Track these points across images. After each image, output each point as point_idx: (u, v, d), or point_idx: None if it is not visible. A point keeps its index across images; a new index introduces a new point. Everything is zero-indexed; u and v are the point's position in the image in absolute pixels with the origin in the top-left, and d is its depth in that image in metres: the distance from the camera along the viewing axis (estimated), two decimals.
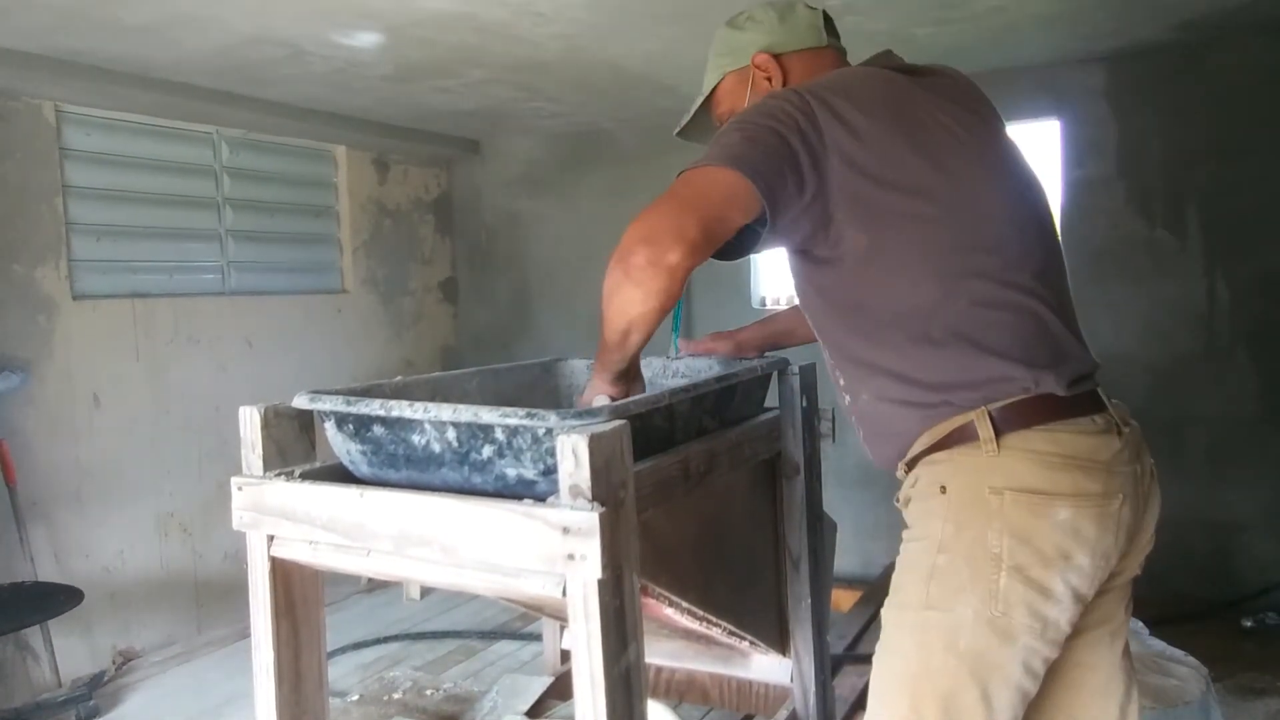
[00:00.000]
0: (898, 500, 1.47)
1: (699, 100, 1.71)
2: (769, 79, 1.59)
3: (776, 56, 1.59)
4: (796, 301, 1.57)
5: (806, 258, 1.43)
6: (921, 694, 1.31)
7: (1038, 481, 1.27)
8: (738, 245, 1.39)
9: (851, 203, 1.34)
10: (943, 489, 1.33)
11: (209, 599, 4.11)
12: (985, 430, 1.30)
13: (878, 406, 1.42)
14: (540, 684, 2.52)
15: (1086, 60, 3.94)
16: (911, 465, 1.41)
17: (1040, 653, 1.30)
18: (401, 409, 1.38)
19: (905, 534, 1.41)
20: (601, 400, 1.49)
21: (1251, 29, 3.59)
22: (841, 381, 1.50)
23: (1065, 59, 3.92)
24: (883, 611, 1.41)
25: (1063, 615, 1.29)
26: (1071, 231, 4.02)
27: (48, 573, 3.50)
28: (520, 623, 3.97)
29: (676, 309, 4.80)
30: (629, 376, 1.51)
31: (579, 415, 1.27)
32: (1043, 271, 1.40)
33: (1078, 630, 1.36)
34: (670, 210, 1.27)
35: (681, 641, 2.23)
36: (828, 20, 1.64)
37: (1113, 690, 1.46)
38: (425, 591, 4.39)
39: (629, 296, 1.29)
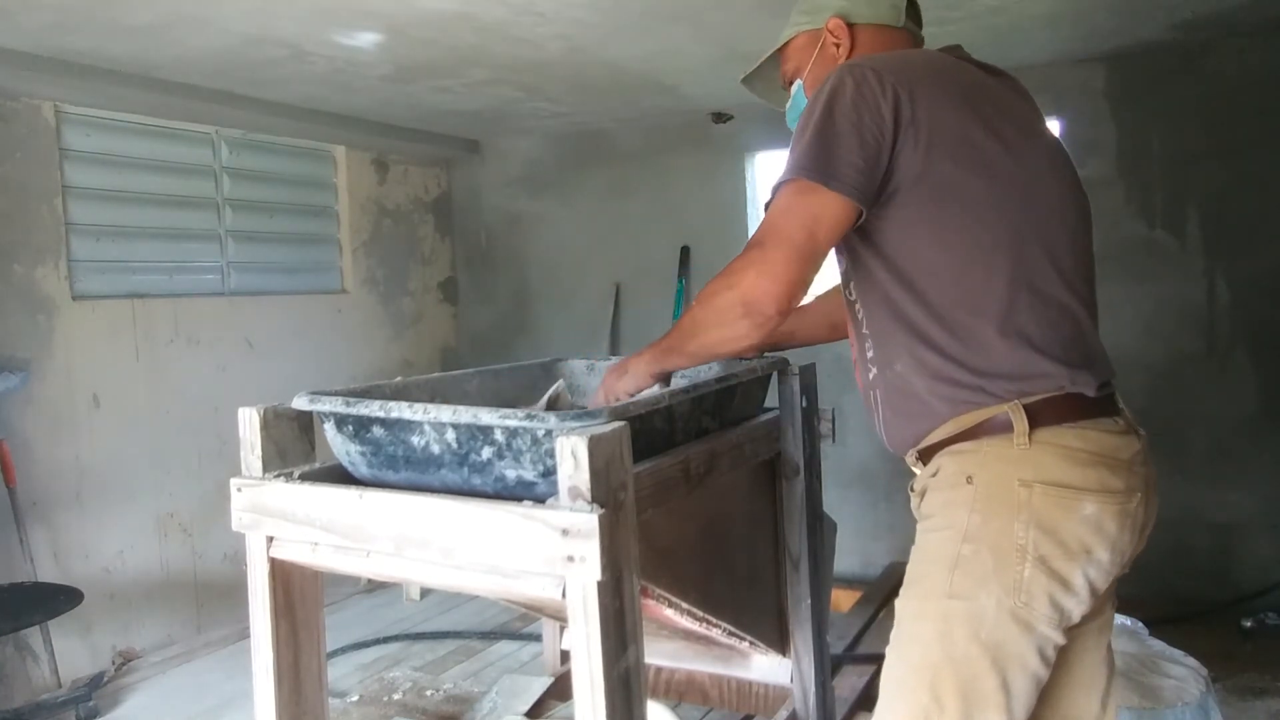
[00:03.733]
0: (912, 489, 1.47)
1: (770, 51, 1.72)
2: (838, 45, 1.59)
3: (850, 25, 1.59)
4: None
5: (873, 221, 1.41)
6: (942, 682, 1.31)
7: (1067, 476, 1.30)
8: None
9: (918, 177, 1.35)
10: (969, 479, 1.34)
11: (209, 599, 4.11)
12: (1020, 424, 1.31)
13: (912, 379, 1.40)
14: (540, 684, 2.52)
15: (1086, 60, 3.94)
16: (927, 454, 1.41)
17: (1054, 640, 1.32)
18: (401, 410, 1.38)
19: (924, 524, 1.40)
20: (651, 392, 1.51)
21: (1251, 29, 3.59)
22: (871, 353, 1.47)
23: (1065, 59, 3.92)
24: (898, 602, 1.41)
25: (1078, 607, 1.32)
26: None
27: (47, 573, 3.50)
28: (520, 623, 3.97)
29: (676, 309, 4.80)
30: (668, 379, 1.58)
31: (578, 417, 1.27)
32: (1084, 273, 1.43)
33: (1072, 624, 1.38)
34: (794, 260, 1.32)
35: (681, 642, 2.23)
36: (911, 4, 1.64)
37: (1096, 682, 1.49)
38: (425, 592, 4.39)
39: (743, 333, 1.37)
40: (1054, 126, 4.04)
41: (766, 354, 2.00)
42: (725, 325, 1.38)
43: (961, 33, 3.33)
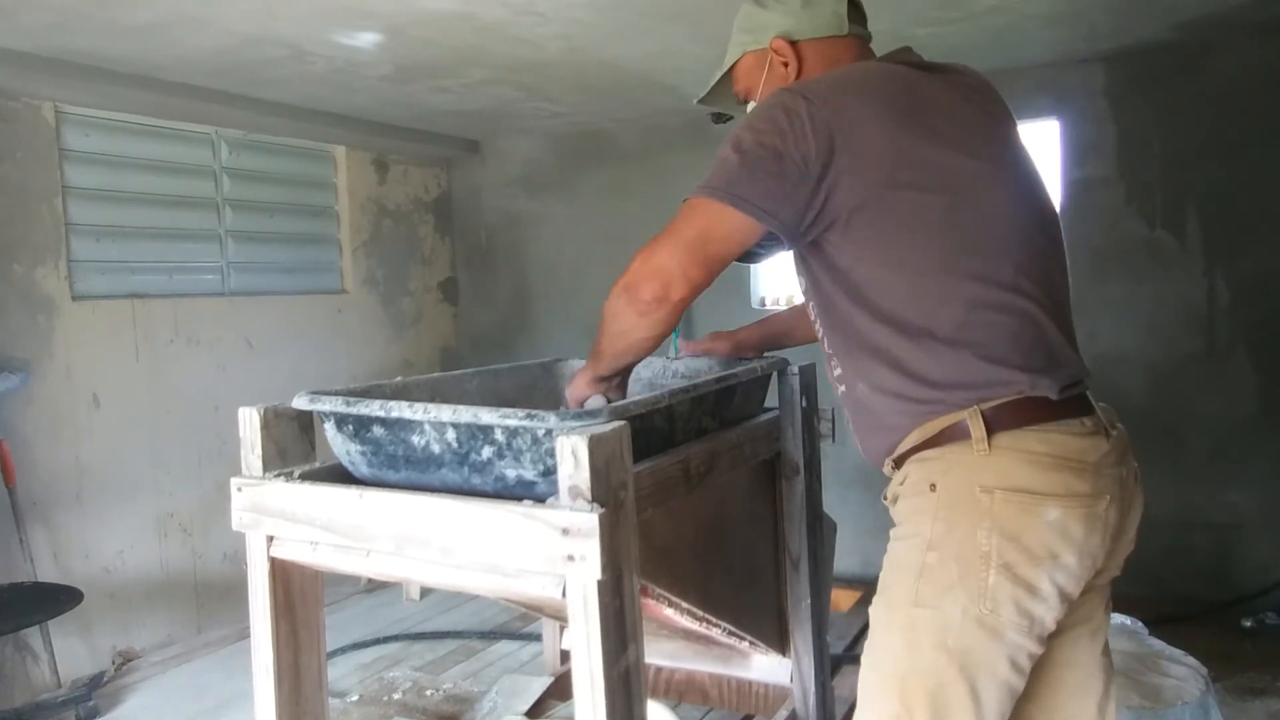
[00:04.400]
0: (885, 497, 1.47)
1: (718, 74, 1.72)
2: (785, 64, 1.58)
3: (794, 43, 1.58)
4: (797, 300, 1.57)
5: (815, 247, 1.43)
6: (911, 691, 1.31)
7: (1029, 481, 1.28)
8: (755, 254, 1.47)
9: (861, 203, 1.34)
10: (932, 486, 1.33)
11: (209, 599, 4.11)
12: (978, 429, 1.30)
13: (873, 398, 1.42)
14: (540, 684, 2.52)
15: (1086, 60, 3.94)
16: (900, 462, 1.41)
17: (1026, 649, 1.31)
18: (401, 410, 1.38)
19: (893, 532, 1.41)
20: (596, 401, 1.53)
21: (1251, 29, 3.59)
22: (837, 371, 1.49)
23: (1065, 59, 3.92)
24: (870, 610, 1.41)
25: (1049, 613, 1.30)
26: (1071, 231, 3.98)
27: (47, 573, 3.50)
28: (520, 623, 3.97)
29: None
30: (613, 384, 1.58)
31: (579, 416, 1.27)
32: (1045, 277, 1.40)
33: (1060, 629, 1.37)
34: (677, 251, 1.37)
35: (681, 641, 2.23)
36: (853, 6, 1.62)
37: (1091, 687, 1.47)
38: (425, 592, 4.39)
39: (632, 324, 1.41)
40: (1054, 126, 4.06)
41: (766, 354, 2.00)
42: (617, 318, 1.43)
43: (961, 33, 3.33)
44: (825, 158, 1.32)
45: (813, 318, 1.53)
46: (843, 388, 1.49)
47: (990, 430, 1.30)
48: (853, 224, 1.35)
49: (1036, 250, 1.41)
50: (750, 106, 1.67)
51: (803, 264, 1.49)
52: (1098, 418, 1.37)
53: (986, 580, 1.27)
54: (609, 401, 1.54)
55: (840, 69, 1.49)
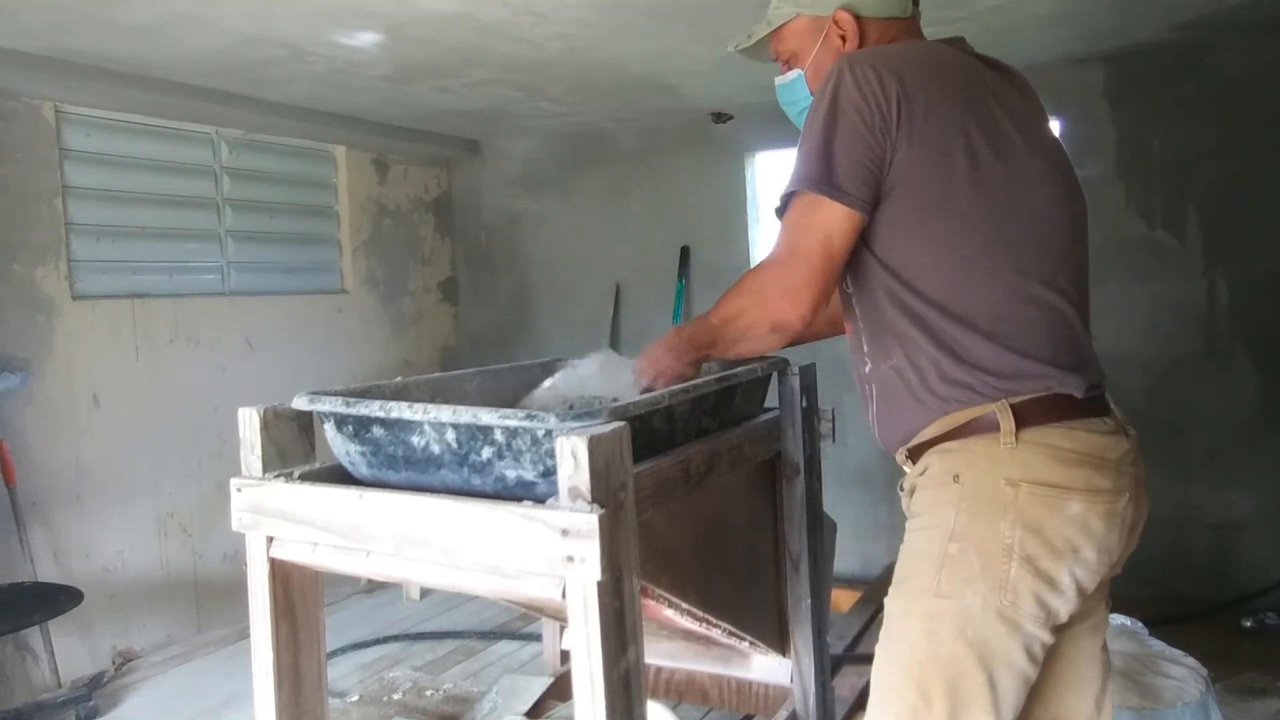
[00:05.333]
0: (901, 487, 1.47)
1: (764, 30, 1.66)
2: (844, 38, 1.56)
3: (859, 18, 1.56)
4: None
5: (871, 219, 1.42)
6: (930, 680, 1.32)
7: (1053, 475, 1.30)
8: None
9: (917, 182, 1.35)
10: (956, 478, 1.34)
11: (209, 599, 4.11)
12: (1007, 423, 1.32)
13: (905, 374, 1.41)
14: (540, 684, 2.52)
15: (1086, 60, 3.94)
16: (917, 453, 1.42)
17: (1040, 639, 1.32)
18: (401, 410, 1.38)
19: (912, 522, 1.41)
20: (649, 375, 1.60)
21: (1251, 29, 3.58)
22: (867, 346, 1.49)
23: (1065, 59, 3.92)
24: (887, 601, 1.41)
25: (1065, 606, 1.32)
26: None
27: (47, 573, 3.50)
28: (520, 623, 3.97)
29: (676, 309, 4.81)
30: (700, 365, 1.63)
31: (579, 417, 1.27)
32: (1076, 276, 1.43)
33: (1063, 624, 1.38)
34: (812, 278, 1.38)
35: (681, 642, 2.23)
36: None
37: (1089, 682, 1.49)
38: (425, 592, 4.39)
39: (769, 344, 1.48)
40: (1054, 126, 4.06)
41: (766, 354, 2.00)
42: (756, 340, 1.48)
43: (962, 33, 3.30)
44: (895, 125, 1.34)
45: (848, 291, 1.52)
46: (869, 364, 1.49)
47: (1018, 425, 1.31)
48: (900, 201, 1.37)
49: (1071, 250, 1.43)
50: (797, 75, 1.64)
51: None
52: (1116, 418, 1.40)
53: (1008, 572, 1.29)
54: (692, 377, 1.61)
55: (903, 44, 1.50)
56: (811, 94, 1.58)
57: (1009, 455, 1.31)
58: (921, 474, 1.40)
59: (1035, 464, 1.30)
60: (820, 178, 1.35)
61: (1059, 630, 1.37)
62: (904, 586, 1.39)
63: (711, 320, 1.53)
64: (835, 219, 1.36)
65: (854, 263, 1.46)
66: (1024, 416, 1.32)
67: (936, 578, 1.33)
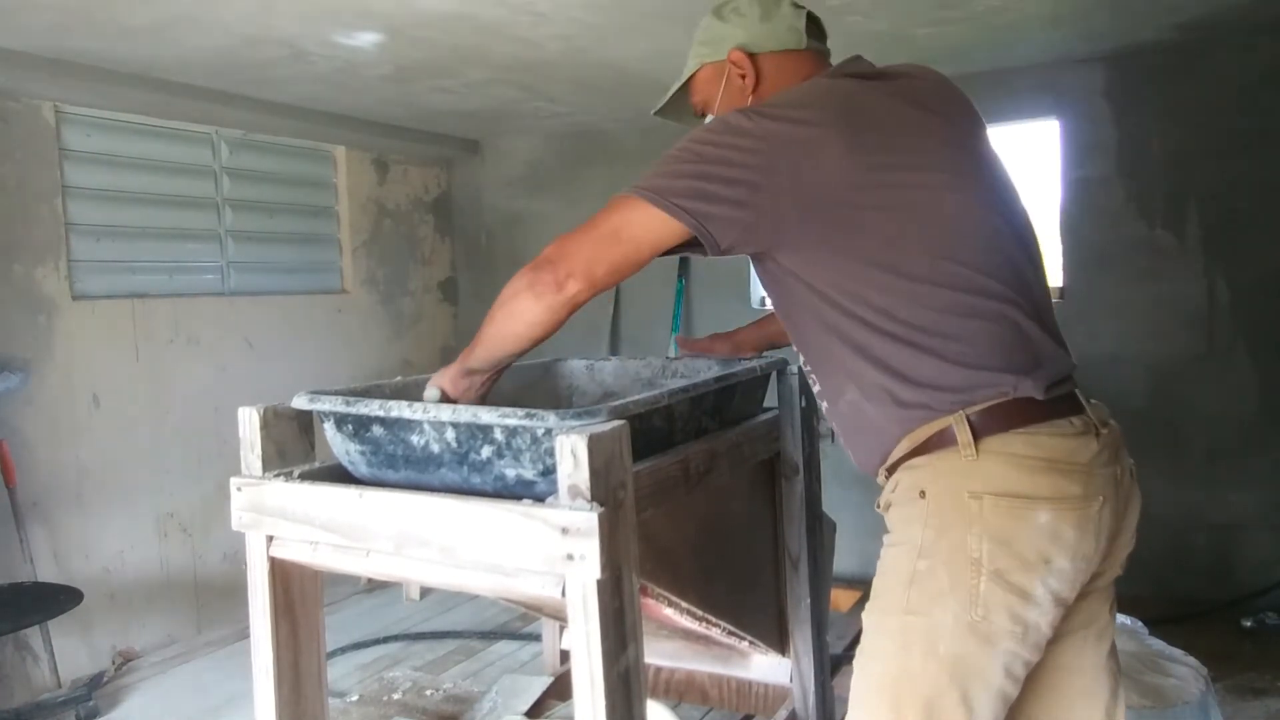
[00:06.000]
0: (879, 505, 1.46)
1: (676, 85, 1.70)
2: (743, 76, 1.58)
3: (753, 56, 1.58)
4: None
5: (774, 265, 1.43)
6: (903, 698, 1.31)
7: (1017, 485, 1.27)
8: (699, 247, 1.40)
9: (811, 220, 1.34)
10: (922, 494, 1.33)
11: (209, 599, 4.10)
12: (964, 434, 1.29)
13: (860, 407, 1.41)
14: (540, 684, 2.52)
15: (1086, 60, 3.94)
16: (892, 470, 1.41)
17: (1021, 656, 1.30)
18: (400, 409, 1.38)
19: (886, 539, 1.41)
20: (432, 393, 1.47)
21: (1251, 29, 3.59)
22: (818, 386, 1.50)
23: (1065, 59, 3.92)
24: (863, 616, 1.41)
25: (1043, 619, 1.29)
26: (1072, 231, 4.02)
27: (47, 573, 3.50)
28: (520, 623, 3.97)
29: (676, 309, 4.80)
30: (480, 382, 1.51)
31: (578, 416, 1.27)
32: (1018, 275, 1.39)
33: (1061, 633, 1.36)
34: (588, 245, 1.35)
35: (681, 641, 2.23)
36: (811, 20, 1.62)
37: (1098, 692, 1.45)
38: (425, 591, 4.39)
39: (525, 307, 1.36)
40: (1054, 126, 4.06)
41: (766, 354, 2.00)
42: (511, 300, 1.38)
43: (961, 33, 3.33)
44: (774, 179, 1.31)
45: (792, 336, 1.52)
46: (825, 403, 1.49)
47: (977, 435, 1.29)
48: (820, 240, 1.35)
49: (1005, 251, 1.39)
50: (708, 119, 1.64)
51: (772, 281, 1.48)
52: (1087, 416, 1.35)
53: (978, 587, 1.27)
54: (475, 400, 1.48)
55: (795, 88, 1.47)
56: None
57: (970, 467, 1.29)
58: (894, 490, 1.40)
59: (998, 474, 1.28)
60: (648, 186, 1.33)
61: (1057, 640, 1.35)
62: (877, 603, 1.38)
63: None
64: (641, 213, 1.33)
65: (795, 311, 1.46)
66: (983, 425, 1.29)
67: (906, 594, 1.32)
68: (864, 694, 1.37)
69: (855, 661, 1.40)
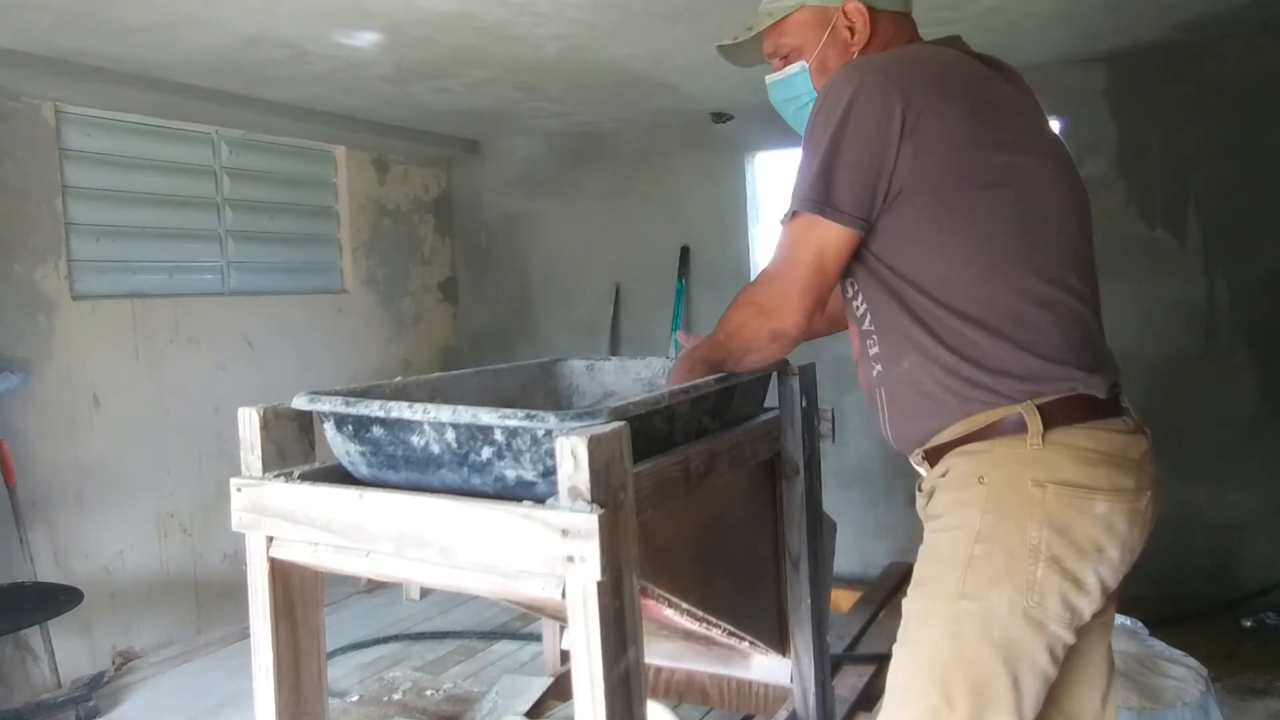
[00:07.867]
0: (920, 488, 1.47)
1: (765, 22, 1.60)
2: (852, 30, 1.53)
3: (872, 10, 1.53)
4: None
5: (878, 225, 1.40)
6: (953, 683, 1.31)
7: (1079, 476, 1.30)
8: None
9: (928, 190, 1.35)
10: (981, 479, 1.34)
11: (208, 599, 4.10)
12: (1034, 424, 1.32)
13: (919, 377, 1.40)
14: (540, 684, 2.52)
15: (1086, 60, 3.94)
16: (935, 454, 1.41)
17: (1063, 639, 1.32)
18: (400, 410, 1.37)
19: (933, 524, 1.40)
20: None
21: (1251, 29, 3.59)
22: (875, 349, 1.47)
23: (1065, 59, 3.92)
24: (906, 603, 1.40)
25: (1089, 606, 1.32)
26: None
27: (47, 573, 3.50)
28: (520, 623, 3.97)
29: (676, 309, 4.80)
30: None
31: (579, 417, 1.27)
32: (1087, 275, 1.43)
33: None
34: (805, 292, 1.41)
35: (681, 642, 2.23)
36: None
37: (1097, 680, 1.49)
38: (425, 592, 4.39)
39: (763, 345, 1.51)
40: (1054, 126, 4.06)
41: (772, 362, 2.00)
42: (760, 351, 1.53)
43: (961, 33, 3.29)
44: (899, 138, 1.33)
45: (850, 293, 1.51)
46: (878, 367, 1.47)
47: (1044, 426, 1.32)
48: (912, 208, 1.36)
49: (1080, 247, 1.43)
50: (798, 67, 1.58)
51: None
52: (1134, 417, 1.40)
53: (1035, 573, 1.29)
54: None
55: (910, 49, 1.48)
56: (815, 90, 1.54)
57: (1035, 456, 1.31)
58: (943, 475, 1.39)
59: (1061, 465, 1.31)
60: (819, 199, 1.36)
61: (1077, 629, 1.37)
62: (926, 588, 1.38)
63: (718, 336, 1.56)
64: (830, 235, 1.38)
65: (862, 270, 1.45)
66: (1050, 418, 1.32)
67: (962, 579, 1.32)
68: (910, 678, 1.36)
69: (897, 647, 1.39)
